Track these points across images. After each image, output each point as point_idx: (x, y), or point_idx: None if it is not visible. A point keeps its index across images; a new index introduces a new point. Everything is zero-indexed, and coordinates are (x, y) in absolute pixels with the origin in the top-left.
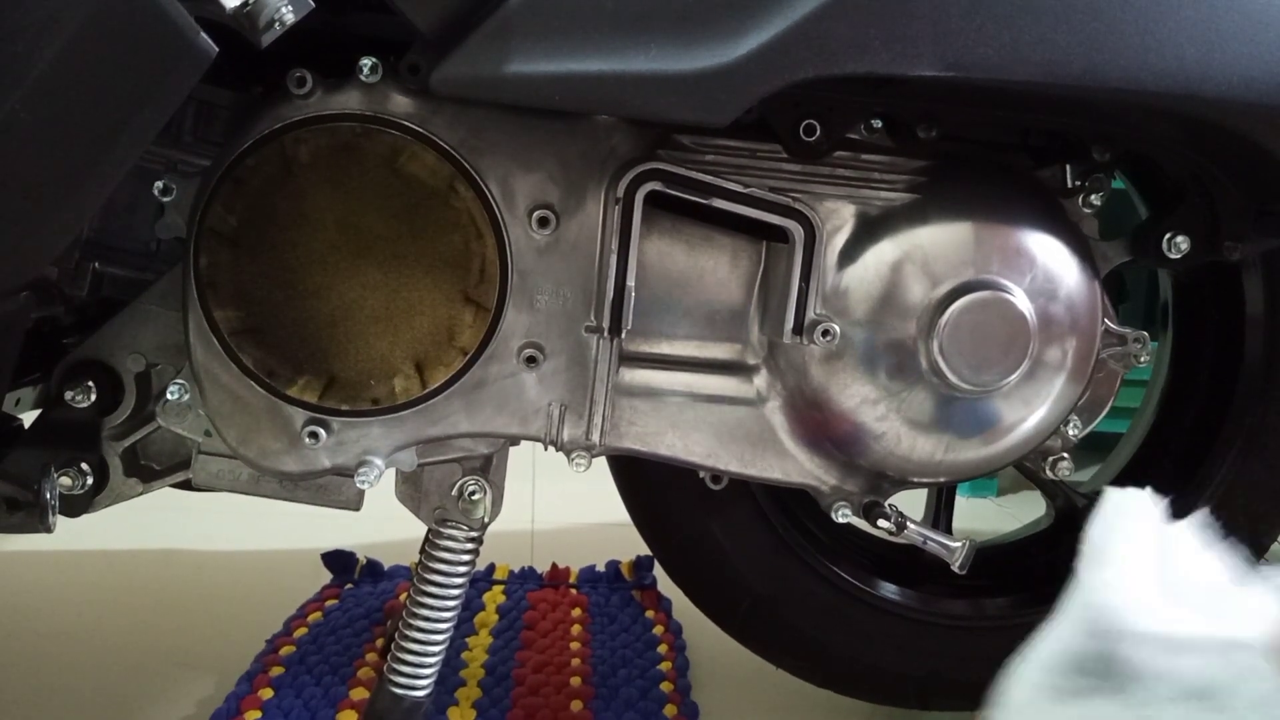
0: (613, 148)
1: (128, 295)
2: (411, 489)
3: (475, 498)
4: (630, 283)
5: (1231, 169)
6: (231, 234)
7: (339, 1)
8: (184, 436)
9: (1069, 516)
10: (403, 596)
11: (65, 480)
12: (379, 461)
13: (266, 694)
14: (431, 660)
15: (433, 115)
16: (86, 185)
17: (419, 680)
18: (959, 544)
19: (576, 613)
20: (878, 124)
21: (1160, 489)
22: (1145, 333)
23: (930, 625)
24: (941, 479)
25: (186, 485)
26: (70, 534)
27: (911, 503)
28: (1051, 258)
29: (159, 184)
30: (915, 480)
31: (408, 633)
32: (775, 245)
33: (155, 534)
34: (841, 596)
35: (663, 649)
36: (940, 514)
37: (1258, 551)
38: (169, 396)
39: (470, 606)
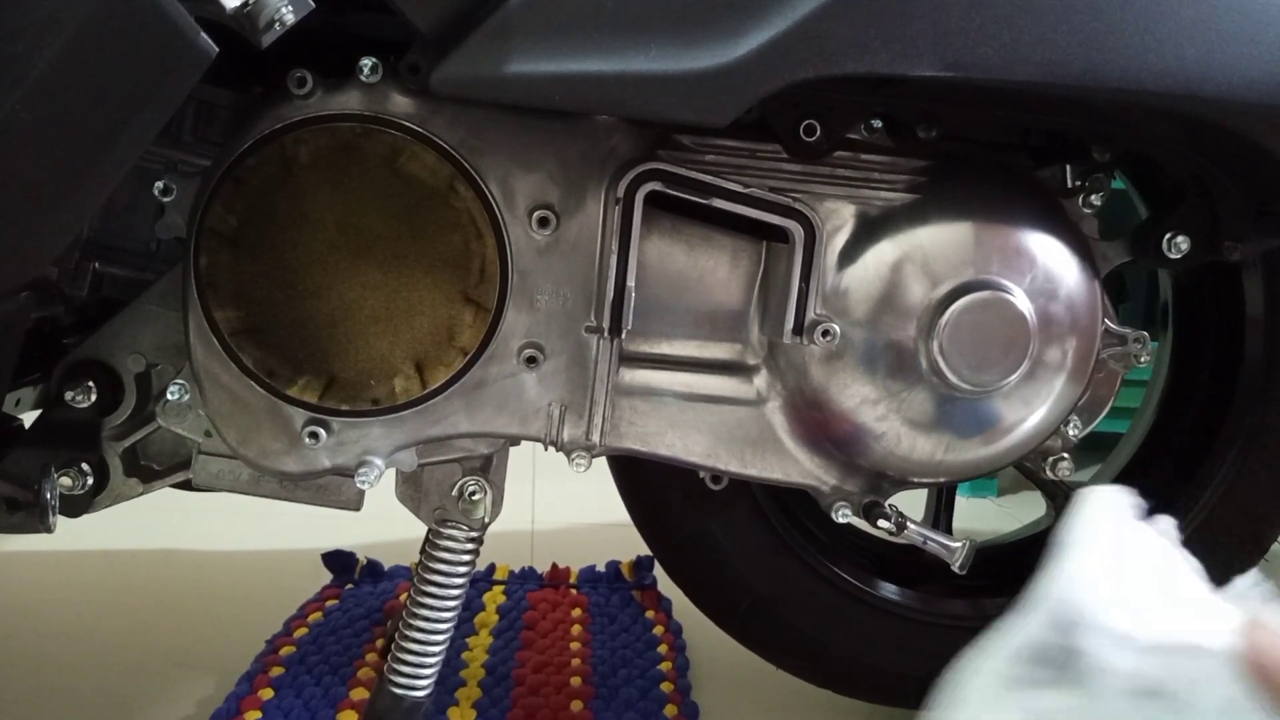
0: (613, 148)
1: (128, 295)
2: (412, 489)
3: (475, 498)
4: (630, 283)
5: (1231, 169)
6: (231, 234)
7: (339, 1)
8: (184, 437)
9: None
10: (403, 597)
11: (65, 480)
12: (379, 461)
13: (266, 694)
14: (432, 660)
15: (433, 115)
16: (86, 185)
17: (419, 680)
18: (959, 544)
19: (576, 613)
20: (878, 124)
21: (1160, 489)
22: (1145, 333)
23: (930, 625)
24: (941, 479)
25: (186, 485)
26: (70, 534)
27: (911, 503)
28: (1051, 258)
29: (159, 184)
30: (915, 480)
31: (408, 633)
32: (775, 245)
33: (155, 534)
34: (841, 596)
35: (663, 649)
36: (940, 514)
37: (1258, 551)
38: (169, 397)
39: (470, 606)
